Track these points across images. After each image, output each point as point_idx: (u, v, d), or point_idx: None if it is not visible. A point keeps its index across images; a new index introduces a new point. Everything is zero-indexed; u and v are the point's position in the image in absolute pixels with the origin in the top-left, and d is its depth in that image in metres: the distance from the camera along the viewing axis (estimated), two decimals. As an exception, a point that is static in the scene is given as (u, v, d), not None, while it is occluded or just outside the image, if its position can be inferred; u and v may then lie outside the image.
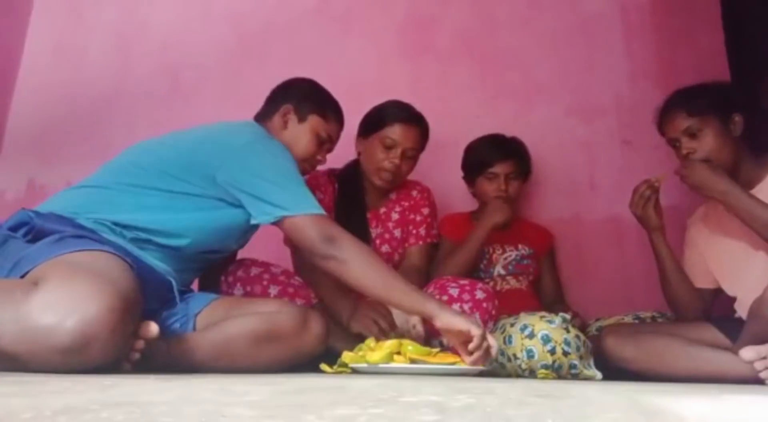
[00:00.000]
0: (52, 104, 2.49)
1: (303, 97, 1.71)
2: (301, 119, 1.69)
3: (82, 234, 1.32)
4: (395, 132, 1.96)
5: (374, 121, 2.01)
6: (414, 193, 2.13)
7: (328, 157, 1.80)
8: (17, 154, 2.45)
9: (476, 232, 2.06)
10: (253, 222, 1.49)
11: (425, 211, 2.09)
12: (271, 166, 1.49)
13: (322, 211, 1.47)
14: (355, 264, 1.43)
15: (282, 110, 1.69)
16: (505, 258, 2.19)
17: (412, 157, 1.99)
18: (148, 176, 1.47)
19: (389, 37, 2.61)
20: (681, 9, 2.54)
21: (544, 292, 2.26)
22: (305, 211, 1.45)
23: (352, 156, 2.09)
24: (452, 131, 2.38)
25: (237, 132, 1.55)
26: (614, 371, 1.68)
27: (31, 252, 1.25)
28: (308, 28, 2.60)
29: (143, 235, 1.42)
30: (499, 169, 2.17)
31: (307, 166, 1.70)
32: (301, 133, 1.68)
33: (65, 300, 1.06)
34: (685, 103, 1.76)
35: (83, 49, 2.59)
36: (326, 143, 1.73)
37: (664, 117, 1.80)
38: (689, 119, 1.74)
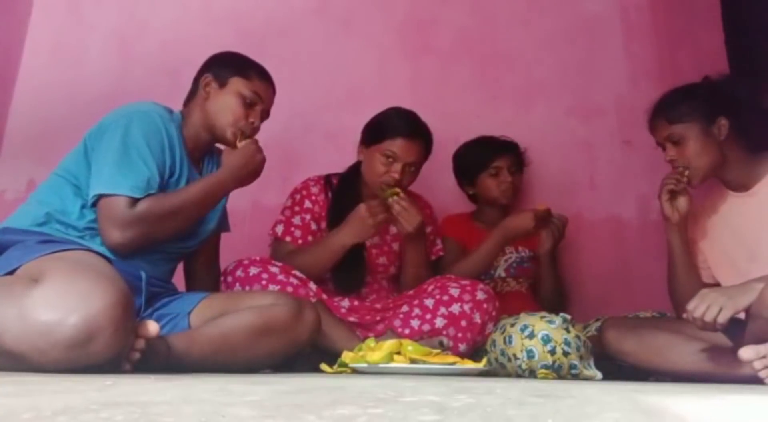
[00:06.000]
0: (52, 104, 2.48)
1: (221, 63, 1.69)
2: (222, 84, 1.64)
3: (47, 240, 1.34)
4: (397, 146, 1.91)
5: (376, 132, 1.97)
6: None
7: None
8: (17, 154, 2.45)
9: (494, 241, 2.05)
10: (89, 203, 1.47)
11: (428, 229, 2.08)
12: (113, 144, 1.46)
13: (136, 194, 1.44)
14: (157, 226, 1.46)
15: (203, 82, 1.66)
16: (506, 261, 2.19)
17: (414, 170, 1.97)
18: (74, 173, 1.50)
19: (389, 37, 2.60)
20: (681, 9, 2.54)
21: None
22: (116, 192, 1.42)
23: (353, 160, 2.08)
24: (452, 131, 2.37)
25: (109, 116, 1.54)
26: (614, 367, 1.68)
27: (8, 255, 1.27)
28: (308, 28, 2.60)
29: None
30: (502, 162, 2.20)
31: (237, 131, 1.63)
32: (223, 97, 1.64)
33: (67, 297, 1.06)
34: (666, 110, 1.75)
35: (83, 49, 2.59)
36: (255, 104, 1.65)
37: (650, 122, 1.81)
38: (669, 127, 1.73)
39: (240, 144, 1.61)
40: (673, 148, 1.74)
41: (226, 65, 1.68)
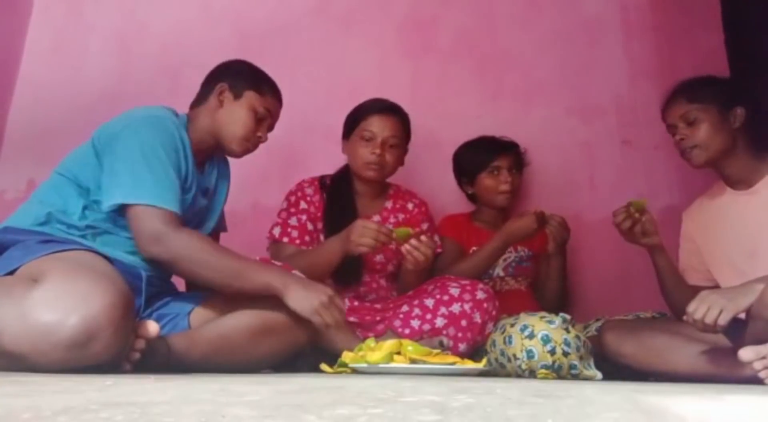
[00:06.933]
0: (52, 104, 2.48)
1: (238, 74, 1.69)
2: (237, 96, 1.66)
3: (48, 239, 1.34)
4: (372, 124, 1.99)
5: (351, 120, 2.05)
6: (410, 205, 2.13)
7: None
8: (17, 154, 2.45)
9: (496, 245, 2.04)
10: (104, 207, 1.44)
11: (424, 226, 2.09)
12: (132, 151, 1.43)
13: (164, 205, 1.41)
14: (183, 262, 1.40)
15: (217, 90, 1.66)
16: (505, 260, 2.19)
17: (394, 146, 2.00)
18: (77, 174, 1.49)
19: (389, 37, 2.60)
20: (681, 9, 2.54)
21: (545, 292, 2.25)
22: (142, 201, 1.40)
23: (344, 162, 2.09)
24: (452, 131, 2.38)
25: (120, 118, 1.52)
26: (613, 368, 1.67)
27: (9, 255, 1.27)
28: (308, 28, 2.60)
29: (102, 226, 1.45)
30: (503, 161, 2.20)
31: (248, 144, 1.67)
32: (237, 109, 1.65)
33: (67, 298, 1.06)
34: (688, 90, 1.77)
35: (83, 49, 2.59)
36: (265, 119, 1.69)
37: (666, 102, 1.81)
38: (688, 105, 1.74)
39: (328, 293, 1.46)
40: (686, 128, 1.74)
41: (241, 77, 1.68)
